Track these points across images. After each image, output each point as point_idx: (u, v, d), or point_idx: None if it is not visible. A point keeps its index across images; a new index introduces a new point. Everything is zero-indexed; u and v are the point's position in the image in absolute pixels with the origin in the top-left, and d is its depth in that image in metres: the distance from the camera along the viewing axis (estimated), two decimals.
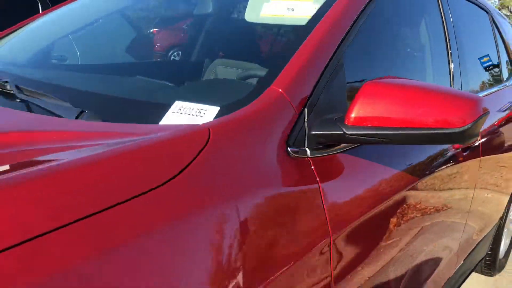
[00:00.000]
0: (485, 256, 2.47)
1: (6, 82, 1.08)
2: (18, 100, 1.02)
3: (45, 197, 0.57)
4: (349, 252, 0.97)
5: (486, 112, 0.94)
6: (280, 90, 0.91)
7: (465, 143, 0.96)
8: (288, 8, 1.49)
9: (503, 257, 2.77)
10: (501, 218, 2.46)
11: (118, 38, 1.65)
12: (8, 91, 1.05)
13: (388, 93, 0.93)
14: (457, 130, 0.90)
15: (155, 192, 0.65)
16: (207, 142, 0.75)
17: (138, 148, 0.70)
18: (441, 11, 1.70)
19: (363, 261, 1.02)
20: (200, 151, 0.73)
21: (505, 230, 2.68)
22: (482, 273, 2.69)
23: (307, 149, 0.92)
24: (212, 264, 0.67)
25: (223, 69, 1.28)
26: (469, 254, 2.03)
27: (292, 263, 0.79)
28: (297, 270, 0.81)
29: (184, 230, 0.65)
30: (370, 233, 1.06)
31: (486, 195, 1.99)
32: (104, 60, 1.56)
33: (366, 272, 1.03)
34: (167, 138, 0.74)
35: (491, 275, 2.71)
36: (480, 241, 2.17)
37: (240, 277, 0.70)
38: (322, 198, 0.90)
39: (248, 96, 0.92)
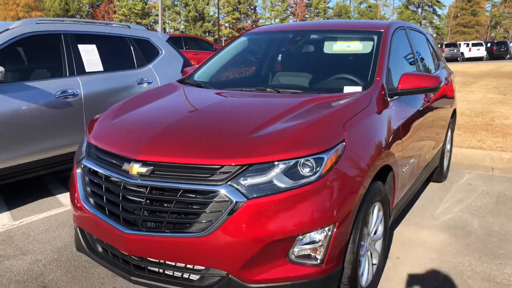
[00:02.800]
0: (437, 166, 4.47)
1: (265, 88, 2.88)
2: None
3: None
4: (405, 136, 2.85)
5: (441, 80, 2.87)
6: (378, 79, 2.78)
7: (437, 91, 2.87)
8: (347, 46, 3.37)
9: (446, 170, 4.83)
10: (443, 145, 4.48)
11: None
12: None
13: (410, 78, 2.82)
14: (435, 86, 2.80)
15: (364, 109, 2.48)
16: (371, 95, 2.61)
17: (359, 97, 2.55)
18: (409, 39, 3.67)
19: (408, 142, 2.90)
20: (371, 98, 2.59)
21: (445, 154, 4.73)
22: (435, 180, 4.70)
23: (388, 98, 2.79)
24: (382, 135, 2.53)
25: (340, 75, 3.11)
26: (432, 159, 4.00)
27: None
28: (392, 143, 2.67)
29: (369, 119, 2.50)
30: (409, 131, 2.95)
31: (437, 131, 3.97)
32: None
33: (408, 148, 2.92)
34: (362, 94, 2.59)
35: (440, 181, 4.73)
36: (435, 155, 4.14)
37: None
38: (396, 114, 2.78)
39: (368, 82, 2.79)
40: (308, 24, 3.80)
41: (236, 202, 1.92)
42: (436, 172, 4.58)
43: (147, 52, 5.23)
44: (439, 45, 38.39)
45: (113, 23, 5.16)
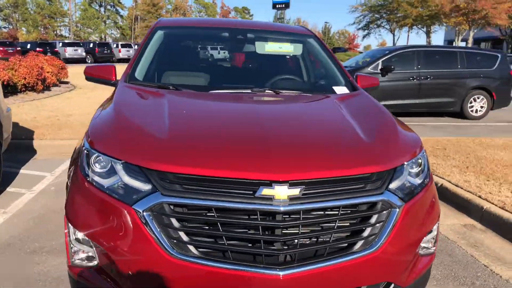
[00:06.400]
0: None
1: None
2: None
3: None
4: None
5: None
6: (350, 78, 3.03)
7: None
8: (279, 47, 3.44)
9: None
10: None
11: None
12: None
13: (364, 77, 3.21)
14: (379, 84, 3.28)
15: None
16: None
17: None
18: None
19: None
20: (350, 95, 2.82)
21: None
22: None
23: None
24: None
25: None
26: None
27: None
28: None
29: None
30: None
31: None
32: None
33: None
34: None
35: None
36: None
37: None
38: None
39: (347, 83, 3.00)
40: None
41: (399, 206, 1.84)
42: None
43: None
44: (115, 45, 39.33)
45: None
